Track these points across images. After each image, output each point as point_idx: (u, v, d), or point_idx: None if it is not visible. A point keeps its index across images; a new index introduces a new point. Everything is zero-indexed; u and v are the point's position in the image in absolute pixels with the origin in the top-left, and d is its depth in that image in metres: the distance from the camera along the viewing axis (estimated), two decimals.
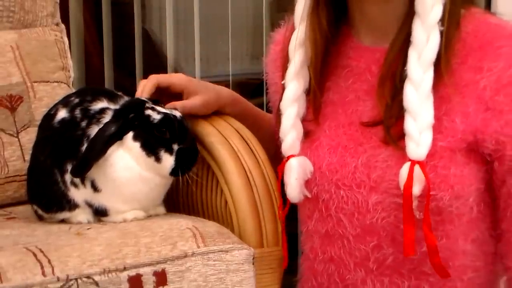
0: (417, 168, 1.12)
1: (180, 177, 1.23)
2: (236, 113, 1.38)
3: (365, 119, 1.23)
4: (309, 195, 1.25)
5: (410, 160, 1.13)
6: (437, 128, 1.15)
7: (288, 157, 1.25)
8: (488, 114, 1.15)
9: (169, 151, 1.22)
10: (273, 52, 1.42)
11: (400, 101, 1.15)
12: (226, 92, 1.40)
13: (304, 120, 1.28)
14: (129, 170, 1.22)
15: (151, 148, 1.22)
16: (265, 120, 1.44)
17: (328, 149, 1.25)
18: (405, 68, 1.15)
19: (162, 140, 1.22)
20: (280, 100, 1.29)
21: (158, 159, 1.22)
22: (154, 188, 1.25)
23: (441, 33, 1.15)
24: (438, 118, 1.15)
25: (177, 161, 1.22)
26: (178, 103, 1.30)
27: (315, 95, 1.27)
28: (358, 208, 1.21)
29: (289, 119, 1.26)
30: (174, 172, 1.23)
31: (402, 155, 1.15)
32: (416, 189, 1.12)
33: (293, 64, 1.26)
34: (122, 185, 1.23)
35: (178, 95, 1.34)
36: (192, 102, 1.32)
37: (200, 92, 1.33)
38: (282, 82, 1.29)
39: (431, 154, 1.14)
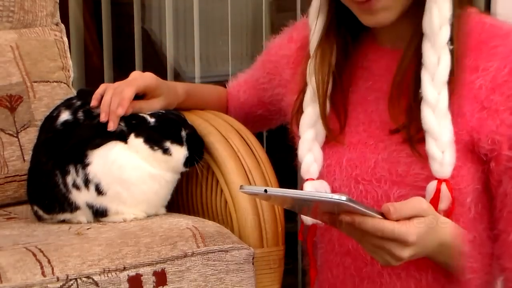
0: (443, 187, 1.14)
1: (196, 166, 1.25)
2: (190, 105, 1.40)
3: (386, 117, 1.23)
4: (322, 224, 1.24)
5: (436, 178, 1.14)
6: None
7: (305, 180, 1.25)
8: (483, 114, 1.16)
9: (179, 142, 1.24)
10: (288, 48, 1.41)
11: (418, 121, 1.16)
12: (181, 90, 1.40)
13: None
14: (138, 170, 1.23)
15: (157, 142, 1.23)
16: (211, 95, 1.48)
17: (348, 145, 1.26)
18: (419, 91, 1.16)
19: (168, 133, 1.24)
20: (297, 99, 1.30)
21: (167, 152, 1.23)
22: (164, 185, 1.26)
23: (451, 51, 1.16)
24: None
25: (189, 149, 1.24)
26: (137, 105, 1.28)
27: (323, 116, 1.27)
28: (377, 201, 1.20)
29: (305, 143, 1.26)
30: (188, 161, 1.24)
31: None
32: (443, 206, 1.14)
33: (310, 89, 1.27)
34: (132, 186, 1.23)
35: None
36: (151, 107, 1.31)
37: (162, 95, 1.33)
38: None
39: None
